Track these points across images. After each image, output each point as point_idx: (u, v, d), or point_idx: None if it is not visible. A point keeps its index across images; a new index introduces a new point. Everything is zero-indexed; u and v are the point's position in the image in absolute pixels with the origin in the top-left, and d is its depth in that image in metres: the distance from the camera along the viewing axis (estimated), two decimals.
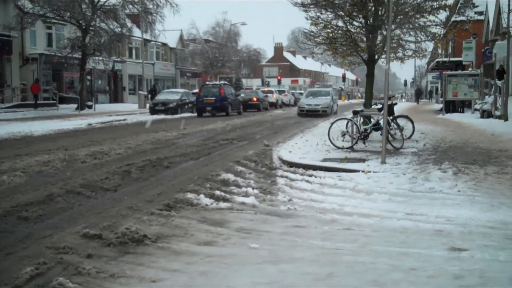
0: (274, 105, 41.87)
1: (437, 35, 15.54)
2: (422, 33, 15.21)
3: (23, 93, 34.80)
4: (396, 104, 15.53)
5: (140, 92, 41.48)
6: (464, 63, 33.43)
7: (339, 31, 15.67)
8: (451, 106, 27.80)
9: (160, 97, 33.47)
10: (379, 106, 13.61)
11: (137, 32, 42.98)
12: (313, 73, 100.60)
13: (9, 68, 33.72)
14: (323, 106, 28.74)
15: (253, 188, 8.04)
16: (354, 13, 15.12)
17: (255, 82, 73.12)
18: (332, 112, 29.16)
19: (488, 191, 7.54)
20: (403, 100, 74.70)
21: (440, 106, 32.50)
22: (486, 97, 24.97)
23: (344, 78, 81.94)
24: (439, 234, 5.58)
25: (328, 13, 15.47)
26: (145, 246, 5.25)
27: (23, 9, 32.53)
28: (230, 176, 8.93)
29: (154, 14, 34.51)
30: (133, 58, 49.46)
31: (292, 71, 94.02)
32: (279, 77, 73.35)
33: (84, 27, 31.83)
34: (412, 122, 14.18)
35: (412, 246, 5.17)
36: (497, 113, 20.82)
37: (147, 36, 39.22)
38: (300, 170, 9.78)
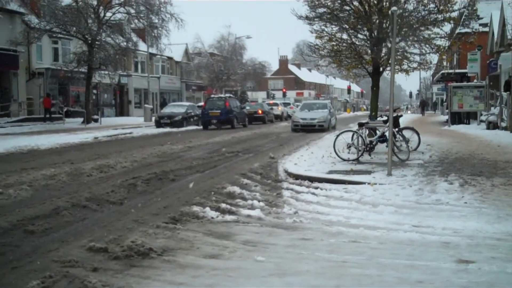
0: (279, 118, 41.98)
1: (441, 47, 15.57)
2: (427, 46, 15.23)
3: (30, 107, 35.04)
4: (401, 116, 15.52)
5: (145, 105, 41.62)
6: (469, 74, 33.45)
7: (344, 44, 15.73)
8: (457, 118, 27.78)
9: (166, 110, 33.51)
10: (385, 118, 13.60)
11: (142, 46, 43.29)
12: (318, 85, 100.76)
13: (16, 82, 34.02)
14: (319, 120, 26.37)
15: (258, 201, 8.02)
16: (359, 26, 15.19)
17: (260, 95, 73.28)
18: (330, 126, 27.00)
19: (495, 203, 7.50)
20: (409, 112, 74.66)
21: (446, 117, 32.45)
22: (492, 108, 24.94)
23: (349, 90, 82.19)
24: (446, 246, 5.55)
25: (333, 26, 15.54)
26: (151, 259, 5.24)
27: (30, 25, 32.91)
28: (236, 189, 8.92)
29: (160, 29, 34.74)
30: (139, 72, 49.75)
31: (297, 83, 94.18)
32: (284, 90, 73.57)
33: (90, 41, 32.09)
34: (417, 133, 14.14)
35: (419, 258, 5.14)
36: (503, 124, 20.80)
37: (152, 50, 39.46)
38: (306, 183, 9.77)
